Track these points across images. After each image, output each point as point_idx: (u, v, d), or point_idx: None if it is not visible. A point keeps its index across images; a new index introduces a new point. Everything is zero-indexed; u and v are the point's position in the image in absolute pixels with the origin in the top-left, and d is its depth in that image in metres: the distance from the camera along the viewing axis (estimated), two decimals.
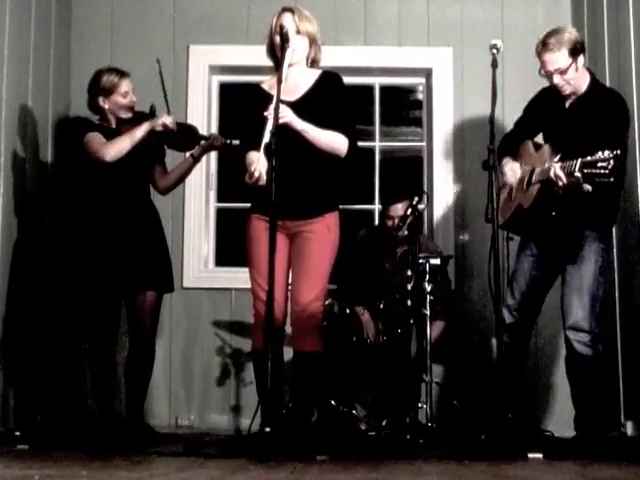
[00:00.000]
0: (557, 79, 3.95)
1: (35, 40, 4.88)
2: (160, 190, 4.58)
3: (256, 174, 3.56)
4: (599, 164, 3.53)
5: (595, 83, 4.08)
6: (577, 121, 3.94)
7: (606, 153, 3.53)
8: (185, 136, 4.42)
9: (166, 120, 4.28)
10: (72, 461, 3.19)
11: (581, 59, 3.98)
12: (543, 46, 3.94)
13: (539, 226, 4.00)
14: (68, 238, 4.68)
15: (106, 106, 4.40)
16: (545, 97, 4.17)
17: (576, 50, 3.95)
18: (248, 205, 3.89)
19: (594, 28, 5.06)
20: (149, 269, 4.34)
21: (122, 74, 4.41)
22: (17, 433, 4.31)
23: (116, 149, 4.23)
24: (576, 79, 3.99)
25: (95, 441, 4.08)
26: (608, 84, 4.80)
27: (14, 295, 4.60)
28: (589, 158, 3.58)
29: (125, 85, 4.39)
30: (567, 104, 4.06)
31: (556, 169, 3.73)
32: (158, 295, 4.41)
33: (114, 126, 4.41)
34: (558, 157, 3.84)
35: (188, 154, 4.55)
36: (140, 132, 4.24)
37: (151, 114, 4.41)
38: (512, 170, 4.12)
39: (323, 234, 3.72)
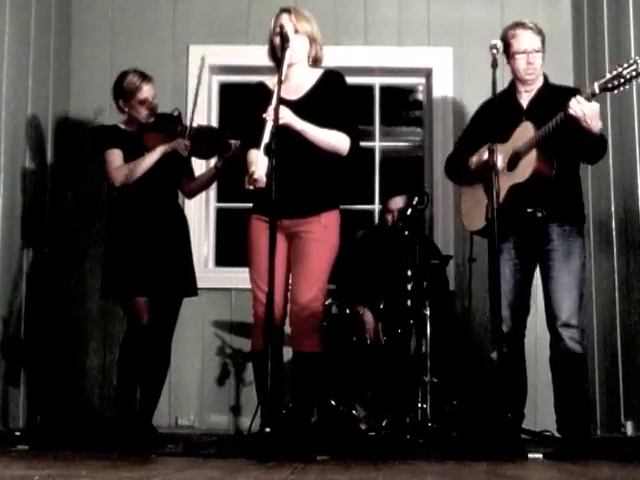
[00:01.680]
0: (533, 58, 3.94)
1: (35, 40, 4.89)
2: (186, 194, 4.60)
3: (255, 176, 3.55)
4: (625, 71, 3.52)
5: (548, 82, 4.09)
6: (541, 112, 3.88)
7: (624, 64, 3.54)
8: (206, 145, 4.34)
9: (179, 146, 4.24)
10: (72, 461, 3.19)
11: (544, 53, 4.02)
12: (523, 26, 3.96)
13: (541, 194, 3.89)
14: (97, 241, 4.67)
15: (126, 109, 4.38)
16: (492, 105, 4.03)
17: (544, 42, 4.00)
18: (248, 205, 3.88)
19: (594, 28, 5.06)
20: (174, 275, 4.31)
21: (144, 78, 4.35)
22: (17, 433, 4.31)
23: (127, 177, 4.25)
24: (541, 67, 4.00)
25: (96, 441, 4.08)
26: None
27: (15, 296, 4.60)
28: (608, 75, 3.57)
29: (146, 91, 4.33)
30: (525, 100, 4.03)
31: (577, 97, 3.64)
32: (180, 300, 4.41)
33: (137, 129, 4.37)
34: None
35: (212, 163, 4.52)
36: (154, 156, 4.24)
37: (174, 118, 4.37)
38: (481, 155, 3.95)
39: (321, 233, 3.71)
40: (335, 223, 3.78)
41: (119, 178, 4.26)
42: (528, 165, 3.85)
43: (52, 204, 5.09)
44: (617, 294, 4.65)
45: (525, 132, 3.89)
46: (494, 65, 3.80)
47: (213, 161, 4.65)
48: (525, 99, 4.05)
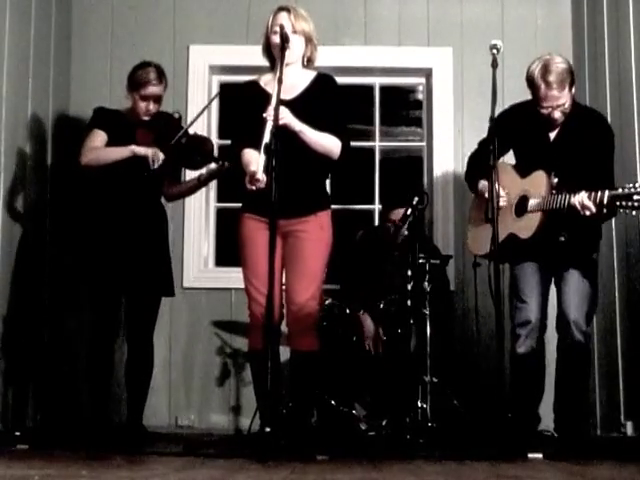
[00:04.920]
0: (558, 115, 3.92)
1: (35, 40, 4.88)
2: (165, 197, 4.56)
3: (257, 176, 3.53)
4: (635, 197, 3.54)
5: (576, 105, 4.05)
6: (567, 149, 3.93)
7: (637, 185, 3.54)
8: (195, 155, 4.32)
9: (152, 156, 4.16)
10: (72, 461, 3.18)
11: (574, 88, 3.96)
12: (547, 85, 3.84)
13: (540, 252, 3.97)
14: (75, 236, 4.67)
15: (128, 97, 4.37)
16: (517, 117, 4.09)
17: (573, 82, 3.93)
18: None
19: (594, 28, 5.06)
20: (150, 273, 4.32)
21: (158, 79, 4.32)
22: (17, 433, 4.31)
23: (93, 159, 4.23)
24: (567, 108, 3.95)
25: (93, 441, 4.07)
26: (608, 85, 4.81)
27: (15, 296, 4.60)
28: (620, 191, 3.58)
29: (152, 91, 4.30)
30: (552, 132, 4.01)
31: (584, 200, 3.68)
32: (157, 299, 4.41)
33: (136, 120, 4.36)
34: (555, 182, 3.87)
35: (196, 174, 4.52)
36: (123, 153, 4.19)
37: (173, 119, 4.36)
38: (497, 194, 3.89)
39: (316, 233, 3.73)
40: (329, 223, 3.82)
41: (86, 158, 4.24)
42: (532, 225, 3.90)
43: (53, 202, 5.09)
44: (617, 294, 4.65)
45: (537, 183, 3.92)
46: (494, 65, 3.80)
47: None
48: (553, 129, 4.01)
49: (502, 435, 3.48)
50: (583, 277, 3.94)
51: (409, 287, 4.47)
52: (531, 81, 3.93)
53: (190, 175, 4.72)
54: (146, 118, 4.35)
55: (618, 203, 3.59)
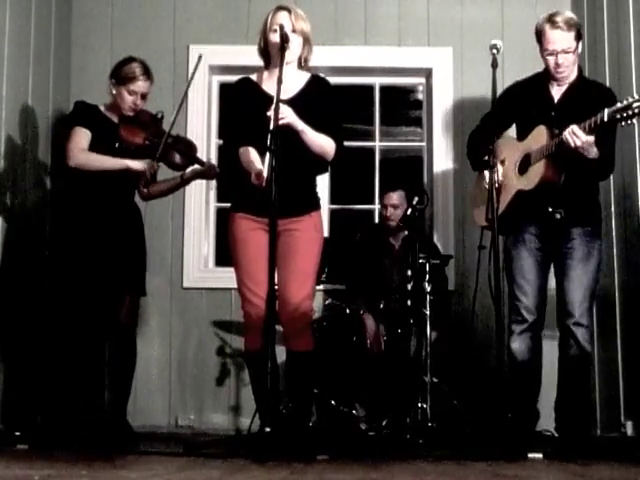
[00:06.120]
0: (562, 59, 3.91)
1: (35, 40, 4.89)
2: (141, 196, 4.54)
3: (264, 174, 3.50)
4: (635, 104, 3.53)
5: (582, 75, 4.09)
6: (570, 110, 3.91)
7: (636, 96, 3.54)
8: (179, 156, 4.33)
9: (148, 170, 4.17)
10: (72, 461, 3.18)
11: (580, 45, 3.98)
12: (552, 24, 3.86)
13: (547, 204, 3.94)
14: (57, 238, 4.68)
15: (114, 91, 4.36)
16: (522, 90, 4.11)
17: (579, 35, 3.95)
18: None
19: (594, 28, 5.06)
20: (128, 274, 4.32)
21: (146, 74, 4.33)
22: (17, 433, 4.30)
23: (83, 162, 4.21)
24: (573, 64, 3.97)
25: (92, 441, 4.07)
26: (608, 83, 4.80)
27: (14, 296, 4.60)
28: (619, 105, 3.57)
29: (140, 86, 4.31)
30: (556, 93, 4.02)
31: (573, 128, 3.68)
32: (135, 299, 4.41)
33: (116, 120, 4.36)
34: (557, 132, 3.84)
35: (178, 174, 4.51)
36: (117, 165, 4.19)
37: (156, 119, 4.34)
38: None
39: (310, 233, 3.73)
40: (321, 223, 3.84)
41: (76, 160, 4.21)
42: (536, 174, 3.89)
43: (53, 202, 5.08)
44: (617, 294, 4.65)
45: (538, 137, 3.92)
46: (494, 65, 3.80)
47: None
48: (557, 92, 4.04)
49: (502, 435, 3.48)
50: (586, 264, 3.91)
51: (409, 287, 4.48)
52: (538, 29, 3.94)
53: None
54: (130, 114, 4.34)
55: (619, 116, 3.56)
